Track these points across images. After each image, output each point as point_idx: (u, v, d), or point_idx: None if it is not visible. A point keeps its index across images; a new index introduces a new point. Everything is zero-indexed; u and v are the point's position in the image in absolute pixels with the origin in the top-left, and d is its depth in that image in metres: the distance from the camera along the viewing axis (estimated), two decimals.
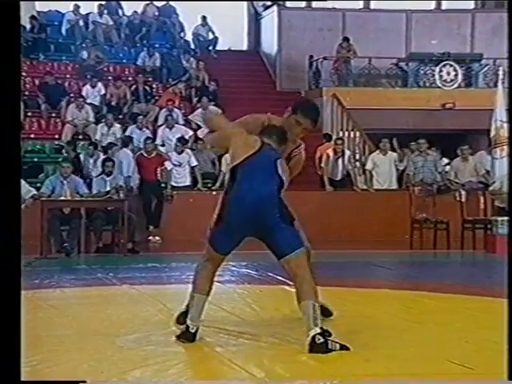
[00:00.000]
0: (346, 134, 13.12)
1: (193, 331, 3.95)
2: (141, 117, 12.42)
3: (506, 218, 9.42)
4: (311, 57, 14.75)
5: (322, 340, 3.64)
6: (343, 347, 3.69)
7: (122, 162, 10.69)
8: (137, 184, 10.72)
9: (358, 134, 13.18)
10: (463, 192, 10.94)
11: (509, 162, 9.83)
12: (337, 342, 3.69)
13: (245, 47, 16.76)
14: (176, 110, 12.95)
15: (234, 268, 7.14)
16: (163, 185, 11.01)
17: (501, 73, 11.69)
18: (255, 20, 16.63)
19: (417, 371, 3.44)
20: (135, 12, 15.86)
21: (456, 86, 14.48)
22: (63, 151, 11.91)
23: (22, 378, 2.85)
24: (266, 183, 3.89)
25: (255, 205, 3.84)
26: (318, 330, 3.67)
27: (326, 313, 4.56)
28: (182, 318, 4.30)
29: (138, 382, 3.21)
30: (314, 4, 16.24)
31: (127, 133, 12.15)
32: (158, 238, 10.82)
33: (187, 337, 3.94)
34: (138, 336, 4.18)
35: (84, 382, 3.00)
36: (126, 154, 10.96)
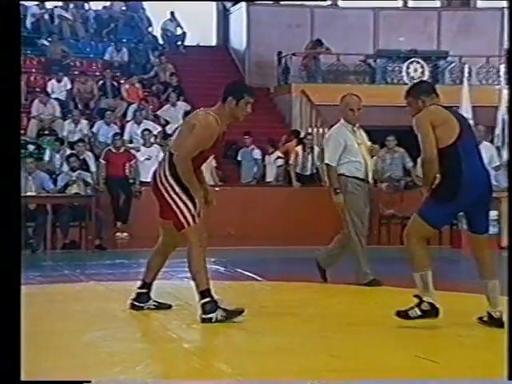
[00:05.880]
0: (315, 130, 13.14)
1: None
2: (109, 112, 12.30)
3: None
4: (280, 53, 14.75)
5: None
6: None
7: None
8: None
9: (326, 130, 13.20)
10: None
11: (508, 158, 9.90)
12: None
13: (213, 43, 16.70)
14: (144, 105, 12.85)
15: None
16: (131, 180, 10.92)
17: (466, 70, 11.81)
18: (224, 15, 16.57)
19: (382, 365, 3.46)
20: (103, 7, 15.71)
21: None
22: (28, 147, 11.74)
23: None
24: (482, 161, 4.28)
25: (486, 183, 4.27)
26: None
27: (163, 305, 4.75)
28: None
29: (144, 381, 3.17)
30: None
31: (94, 128, 12.03)
32: (125, 234, 10.73)
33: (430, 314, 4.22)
34: (104, 333, 4.14)
35: (89, 382, 2.97)
36: None
